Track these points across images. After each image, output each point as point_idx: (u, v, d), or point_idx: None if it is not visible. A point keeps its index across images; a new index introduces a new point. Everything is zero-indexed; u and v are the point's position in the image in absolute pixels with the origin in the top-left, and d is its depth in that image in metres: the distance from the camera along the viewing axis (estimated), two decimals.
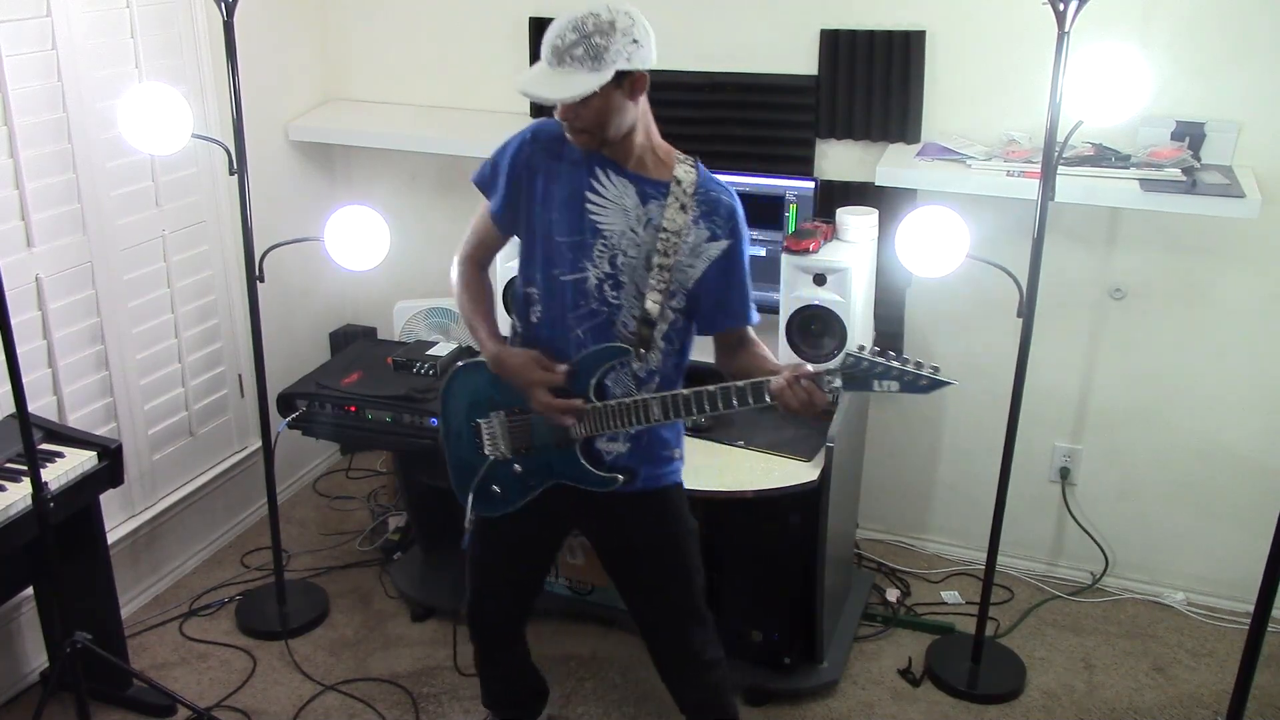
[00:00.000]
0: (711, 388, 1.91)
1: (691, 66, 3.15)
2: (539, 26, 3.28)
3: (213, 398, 3.34)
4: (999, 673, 2.85)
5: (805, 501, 2.59)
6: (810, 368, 1.85)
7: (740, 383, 1.89)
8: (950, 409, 3.28)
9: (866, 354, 1.79)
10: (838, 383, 1.80)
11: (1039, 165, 2.44)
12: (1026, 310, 2.54)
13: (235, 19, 2.62)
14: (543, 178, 2.00)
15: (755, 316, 2.07)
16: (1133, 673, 2.89)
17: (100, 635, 2.45)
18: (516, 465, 2.09)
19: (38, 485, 2.18)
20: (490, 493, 2.13)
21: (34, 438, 2.21)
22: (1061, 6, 2.26)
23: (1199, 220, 2.80)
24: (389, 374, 3.02)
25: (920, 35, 2.93)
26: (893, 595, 3.19)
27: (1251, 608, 2.09)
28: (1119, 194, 2.69)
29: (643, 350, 1.98)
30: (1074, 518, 3.23)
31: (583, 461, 2.04)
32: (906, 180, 2.90)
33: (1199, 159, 2.76)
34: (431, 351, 3.08)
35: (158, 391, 3.12)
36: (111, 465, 2.50)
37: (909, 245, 2.56)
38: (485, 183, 2.09)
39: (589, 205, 1.96)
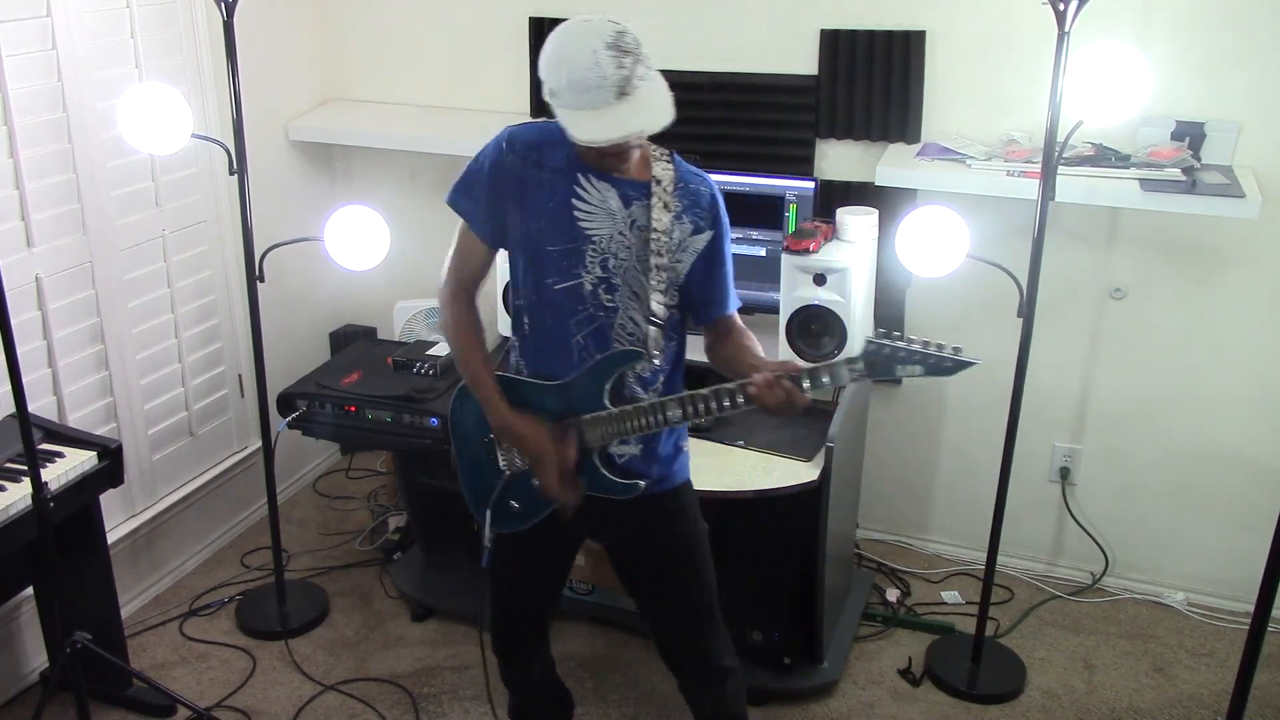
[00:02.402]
0: (706, 391, 1.91)
1: (691, 66, 3.15)
2: (539, 26, 3.28)
3: (213, 398, 3.34)
4: (999, 673, 2.85)
5: (805, 501, 2.59)
6: (801, 364, 1.87)
7: (731, 385, 1.90)
8: (950, 409, 3.28)
9: (889, 340, 1.79)
10: (860, 368, 1.80)
11: (1039, 165, 2.44)
12: (1026, 310, 2.54)
13: (235, 19, 2.62)
14: (525, 187, 1.95)
15: (737, 302, 2.07)
16: (1133, 673, 2.89)
17: (100, 635, 2.45)
18: (535, 480, 2.02)
19: (38, 485, 2.18)
20: (508, 508, 2.08)
21: (34, 438, 2.21)
22: (1061, 6, 2.26)
23: (1199, 220, 2.80)
24: (389, 374, 3.02)
25: (920, 35, 2.93)
26: (893, 595, 3.19)
27: (1251, 608, 2.09)
28: (1119, 194, 2.69)
29: (655, 353, 1.96)
30: (1074, 518, 3.23)
31: (603, 471, 2.00)
32: (906, 180, 2.90)
33: (1199, 159, 2.76)
34: (431, 351, 3.08)
35: (158, 391, 3.12)
36: (111, 465, 2.50)
37: (909, 245, 2.56)
38: (461, 199, 2.01)
39: (576, 212, 1.93)
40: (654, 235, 1.92)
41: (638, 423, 1.96)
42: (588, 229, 1.93)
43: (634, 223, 1.94)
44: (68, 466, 2.41)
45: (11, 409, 2.19)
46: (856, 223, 2.71)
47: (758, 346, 2.03)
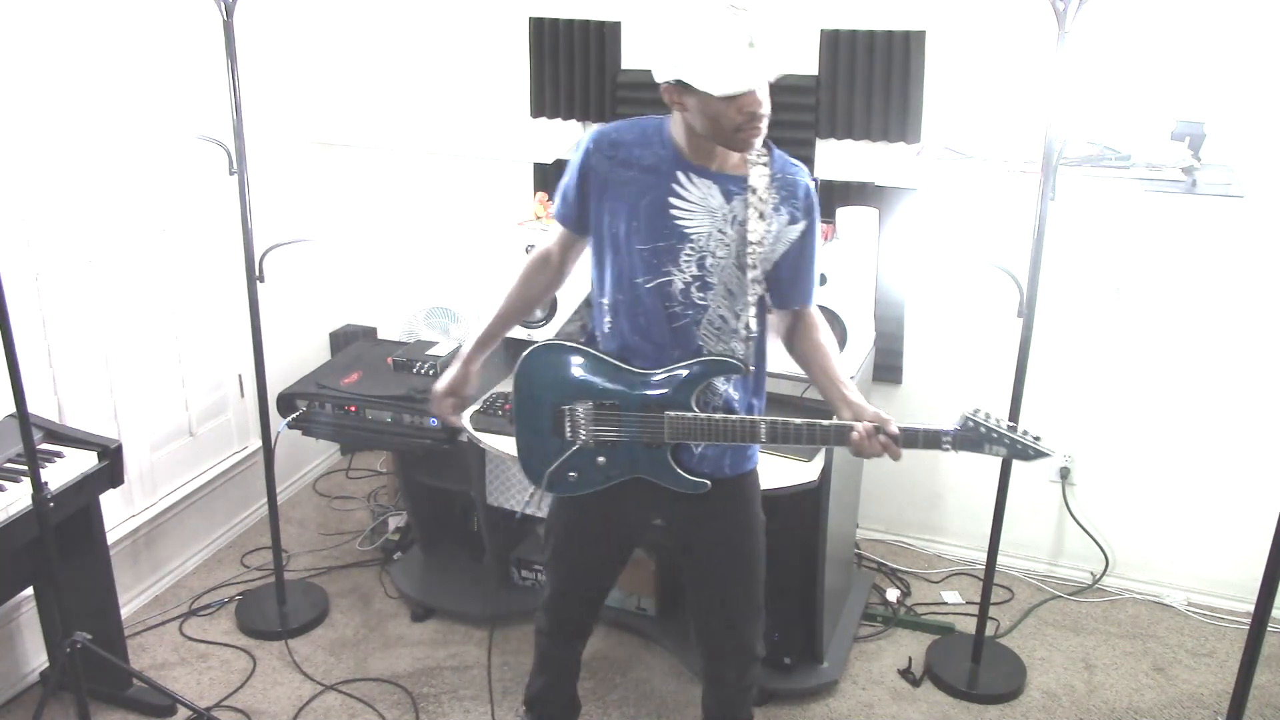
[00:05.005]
0: (800, 422, 1.94)
1: None
2: (539, 26, 3.28)
3: (213, 398, 3.34)
4: (999, 673, 2.85)
5: (805, 501, 2.59)
6: (895, 426, 1.90)
7: (826, 424, 1.93)
8: (950, 408, 3.27)
9: (982, 419, 1.89)
10: (953, 442, 1.91)
11: (1039, 164, 2.44)
12: (1026, 310, 2.54)
13: (235, 19, 2.62)
14: (611, 185, 1.95)
15: (814, 292, 2.08)
16: (1133, 673, 2.89)
17: (100, 635, 2.45)
18: (600, 457, 2.04)
19: (38, 485, 2.18)
20: (565, 477, 2.09)
21: (34, 438, 2.21)
22: (1061, 6, 2.26)
23: (1199, 220, 2.80)
24: (389, 374, 3.02)
25: (920, 35, 2.93)
26: (893, 595, 3.19)
27: (1251, 608, 2.09)
28: (1119, 194, 2.69)
29: (752, 369, 1.99)
30: (1074, 518, 3.23)
31: (672, 464, 2.01)
32: (906, 180, 2.90)
33: (1199, 159, 2.76)
34: (431, 351, 3.09)
35: (158, 391, 3.12)
36: (111, 465, 2.49)
37: (908, 245, 2.56)
38: (559, 205, 2.05)
39: (674, 210, 1.91)
40: (750, 248, 1.91)
41: (723, 434, 1.97)
42: (685, 227, 1.91)
43: (734, 218, 1.92)
44: (68, 466, 2.41)
45: (11, 409, 2.19)
46: (856, 223, 2.71)
47: (834, 356, 2.03)
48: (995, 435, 1.88)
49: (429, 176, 3.64)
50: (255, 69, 3.05)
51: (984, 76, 2.93)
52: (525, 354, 2.08)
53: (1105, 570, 3.24)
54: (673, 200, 1.91)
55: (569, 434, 2.05)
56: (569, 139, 3.33)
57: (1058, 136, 2.38)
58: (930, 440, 1.91)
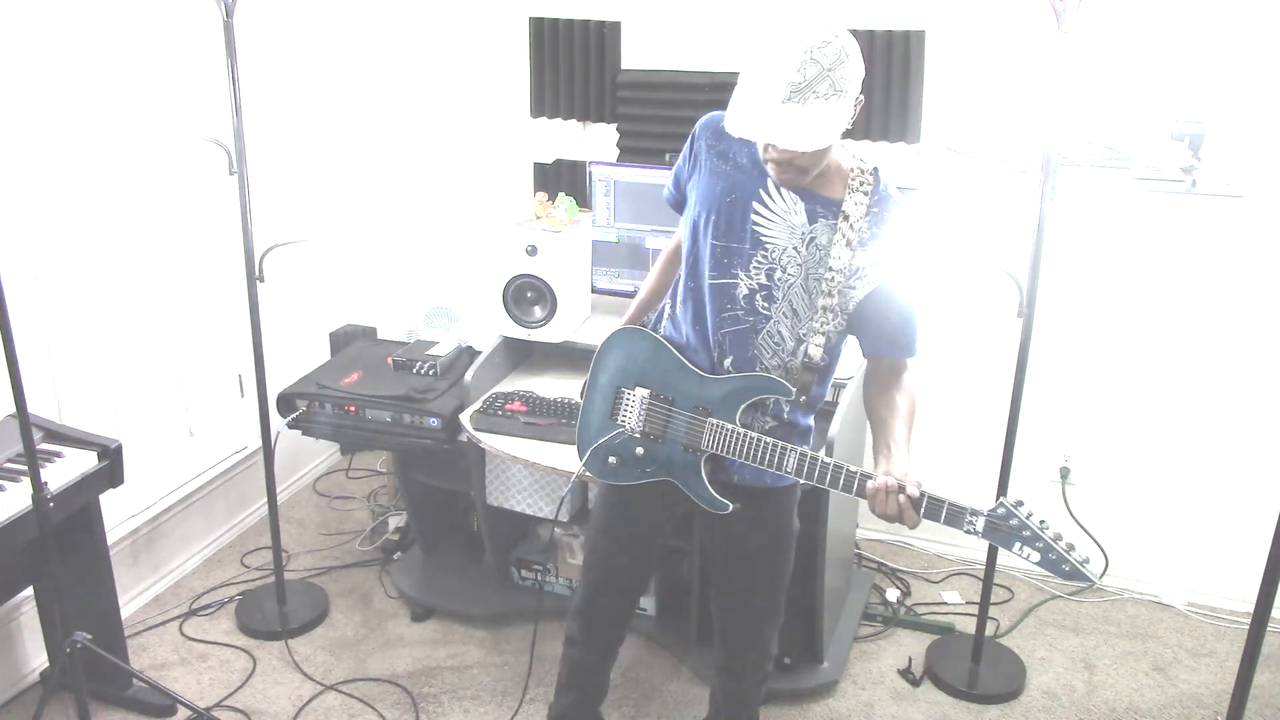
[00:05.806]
0: (828, 461, 1.86)
1: (691, 66, 3.15)
2: (539, 26, 3.28)
3: (213, 398, 3.34)
4: (999, 673, 2.85)
5: (805, 501, 2.59)
6: (916, 489, 1.76)
7: (853, 469, 1.84)
8: (950, 408, 3.28)
9: (1021, 511, 1.71)
10: (979, 526, 1.73)
11: (1039, 164, 2.44)
12: (1026, 310, 2.54)
13: (235, 19, 2.62)
14: (705, 173, 1.93)
15: (916, 348, 1.94)
16: (1133, 673, 2.89)
17: (100, 635, 2.45)
18: (640, 448, 2.03)
19: (38, 485, 2.18)
20: (605, 460, 2.07)
21: (34, 438, 2.21)
22: (1061, 6, 2.26)
23: (1199, 220, 2.80)
24: (389, 374, 3.02)
25: (920, 35, 2.92)
26: (893, 595, 3.19)
27: (1251, 608, 2.09)
28: (1119, 194, 2.69)
29: (803, 398, 1.93)
30: (1074, 518, 3.23)
31: (702, 473, 1.98)
32: (906, 180, 2.89)
33: (1199, 159, 2.76)
34: (431, 351, 3.09)
35: (158, 391, 3.12)
36: (111, 465, 2.49)
37: (907, 246, 2.55)
38: (673, 184, 2.07)
39: (754, 215, 1.87)
40: (828, 274, 1.85)
41: (754, 454, 1.92)
42: (763, 235, 1.88)
43: (812, 240, 1.86)
44: (68, 466, 2.41)
45: (11, 409, 2.19)
46: None
47: (903, 420, 1.90)
48: (1029, 534, 1.70)
49: (429, 176, 3.64)
50: (255, 69, 3.05)
51: (984, 76, 2.93)
52: (610, 334, 2.11)
53: (1105, 570, 3.23)
54: (756, 206, 1.87)
55: (620, 417, 2.05)
56: (569, 139, 3.33)
57: (1057, 136, 2.38)
58: (954, 517, 1.74)
